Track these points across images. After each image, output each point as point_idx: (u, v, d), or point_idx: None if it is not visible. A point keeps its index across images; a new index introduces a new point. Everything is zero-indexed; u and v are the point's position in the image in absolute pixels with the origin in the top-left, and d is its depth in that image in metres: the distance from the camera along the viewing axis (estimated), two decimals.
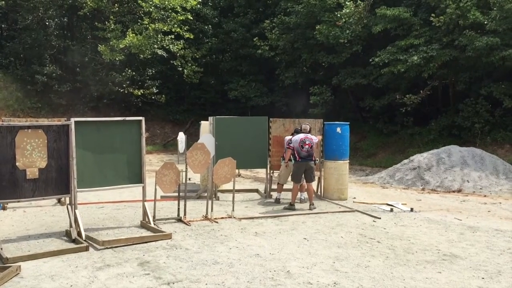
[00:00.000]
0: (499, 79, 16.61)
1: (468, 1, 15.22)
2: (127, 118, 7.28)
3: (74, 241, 6.28)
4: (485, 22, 14.86)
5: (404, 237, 6.97)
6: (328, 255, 5.90)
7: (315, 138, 9.11)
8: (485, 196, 11.24)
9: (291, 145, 9.05)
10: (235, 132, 9.87)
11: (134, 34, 20.26)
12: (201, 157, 7.76)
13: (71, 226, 6.51)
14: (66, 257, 5.63)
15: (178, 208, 7.75)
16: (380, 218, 8.23)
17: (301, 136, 8.99)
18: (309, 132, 9.19)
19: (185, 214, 7.70)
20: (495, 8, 14.71)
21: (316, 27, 18.57)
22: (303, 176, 9.08)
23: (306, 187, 9.29)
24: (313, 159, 9.01)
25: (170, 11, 21.54)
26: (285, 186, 9.73)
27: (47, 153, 6.34)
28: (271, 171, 10.29)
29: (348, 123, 10.51)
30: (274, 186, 10.28)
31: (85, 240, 6.21)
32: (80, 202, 7.93)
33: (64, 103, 23.30)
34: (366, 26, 17.88)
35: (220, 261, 5.55)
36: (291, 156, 9.08)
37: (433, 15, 15.90)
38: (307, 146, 8.85)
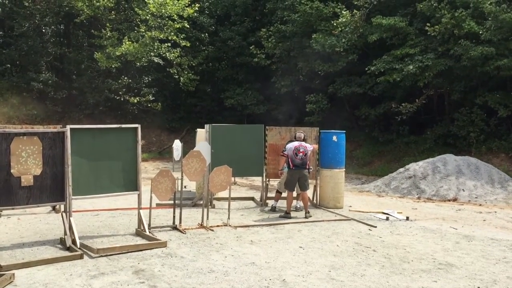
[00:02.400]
0: (494, 88, 16.71)
1: (463, 11, 15.34)
2: (123, 126, 7.27)
3: (68, 249, 6.23)
4: (480, 32, 14.97)
5: (400, 246, 6.97)
6: (324, 264, 5.89)
7: (310, 146, 9.12)
8: (480, 205, 11.26)
9: (285, 152, 9.07)
10: (231, 140, 9.87)
11: (130, 42, 20.29)
12: (197, 165, 7.75)
13: (65, 233, 6.48)
14: (60, 265, 5.59)
15: (174, 216, 7.72)
16: (376, 227, 8.23)
17: (295, 143, 9.00)
18: (304, 140, 9.21)
19: (180, 222, 7.67)
20: (490, 18, 14.83)
21: (313, 36, 18.66)
22: (297, 184, 9.09)
23: (301, 197, 9.29)
24: (307, 167, 9.01)
25: (167, 19, 21.61)
26: (282, 195, 9.72)
27: (42, 160, 6.32)
28: (267, 179, 10.28)
29: (344, 131, 10.54)
30: (270, 194, 10.27)
31: (79, 248, 6.16)
32: (75, 210, 7.89)
33: (59, 110, 23.26)
34: (362, 35, 17.96)
35: (215, 270, 5.52)
36: (285, 164, 9.09)
37: (428, 24, 16.01)
38: (301, 154, 8.85)
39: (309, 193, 9.45)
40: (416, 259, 6.27)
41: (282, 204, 9.55)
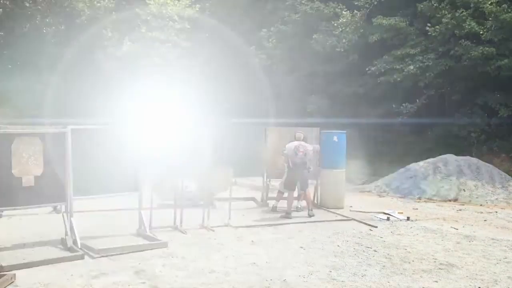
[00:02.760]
0: (494, 88, 16.68)
1: (463, 11, 15.33)
2: (124, 126, 7.27)
3: (69, 249, 6.23)
4: (481, 32, 14.96)
5: (401, 246, 6.97)
6: (324, 264, 5.88)
7: (310, 146, 9.11)
8: (481, 205, 11.25)
9: (285, 152, 9.07)
10: (232, 140, 9.86)
11: (131, 42, 20.27)
12: (197, 165, 7.74)
13: (66, 234, 6.47)
14: (61, 265, 5.59)
15: (174, 216, 7.72)
16: (376, 227, 8.23)
17: (295, 143, 9.01)
18: (303, 140, 9.20)
19: (181, 222, 7.67)
20: (490, 18, 14.82)
21: (313, 36, 18.65)
22: (297, 184, 9.08)
23: (303, 196, 9.28)
24: (307, 167, 9.00)
25: (168, 19, 21.59)
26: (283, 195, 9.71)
27: (43, 161, 6.32)
28: (268, 179, 10.27)
29: (345, 131, 10.52)
30: (271, 194, 10.26)
31: (80, 248, 6.17)
32: (76, 210, 7.88)
33: (60, 111, 23.22)
34: (363, 36, 17.95)
35: (216, 270, 5.52)
36: (285, 164, 9.09)
37: (429, 24, 16.00)
38: (300, 153, 8.85)
39: (310, 193, 9.42)
40: (417, 259, 6.26)
41: (283, 204, 9.54)
